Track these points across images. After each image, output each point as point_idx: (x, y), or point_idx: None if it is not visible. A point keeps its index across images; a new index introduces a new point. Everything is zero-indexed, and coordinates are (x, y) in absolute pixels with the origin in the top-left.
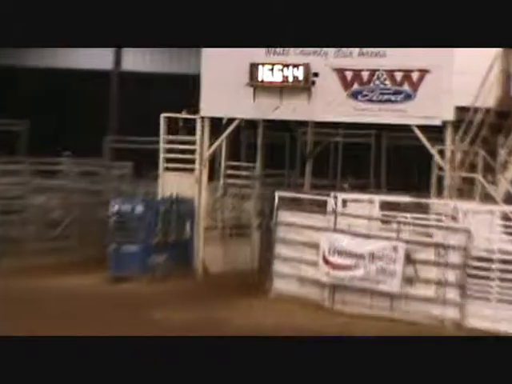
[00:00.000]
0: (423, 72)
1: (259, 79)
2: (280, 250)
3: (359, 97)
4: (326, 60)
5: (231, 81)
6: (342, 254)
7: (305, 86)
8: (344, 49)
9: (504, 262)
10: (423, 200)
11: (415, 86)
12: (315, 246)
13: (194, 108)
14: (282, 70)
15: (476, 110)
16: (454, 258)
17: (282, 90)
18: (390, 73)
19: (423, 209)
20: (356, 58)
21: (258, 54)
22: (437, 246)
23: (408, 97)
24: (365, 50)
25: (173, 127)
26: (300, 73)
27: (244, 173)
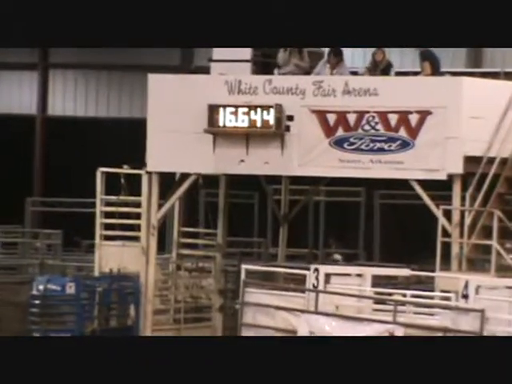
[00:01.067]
0: (424, 114)
1: (220, 124)
2: None
3: (345, 145)
4: (303, 100)
5: (185, 127)
6: None
7: (277, 133)
8: (325, 86)
9: None
10: (426, 273)
11: (414, 132)
12: (291, 332)
13: (139, 161)
14: (249, 113)
15: (490, 160)
16: None
17: (249, 137)
18: (383, 115)
19: (426, 284)
20: (340, 98)
21: (218, 93)
22: (444, 330)
23: (405, 145)
24: (351, 87)
25: (113, 185)
26: (271, 116)
27: (202, 241)
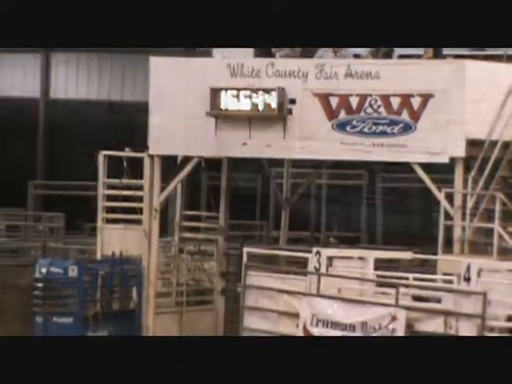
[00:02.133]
0: (426, 97)
1: (222, 107)
2: (249, 320)
3: (347, 128)
4: (305, 83)
5: (187, 110)
6: (328, 324)
7: (279, 116)
8: (328, 69)
9: None
10: (428, 256)
11: (416, 115)
12: (294, 315)
13: (142, 144)
14: (251, 96)
15: (492, 144)
16: (467, 328)
17: (251, 120)
18: (385, 98)
19: (428, 267)
20: (343, 81)
21: (220, 76)
22: (446, 313)
23: (407, 128)
24: (353, 70)
25: (115, 168)
26: (273, 99)
27: (204, 225)
